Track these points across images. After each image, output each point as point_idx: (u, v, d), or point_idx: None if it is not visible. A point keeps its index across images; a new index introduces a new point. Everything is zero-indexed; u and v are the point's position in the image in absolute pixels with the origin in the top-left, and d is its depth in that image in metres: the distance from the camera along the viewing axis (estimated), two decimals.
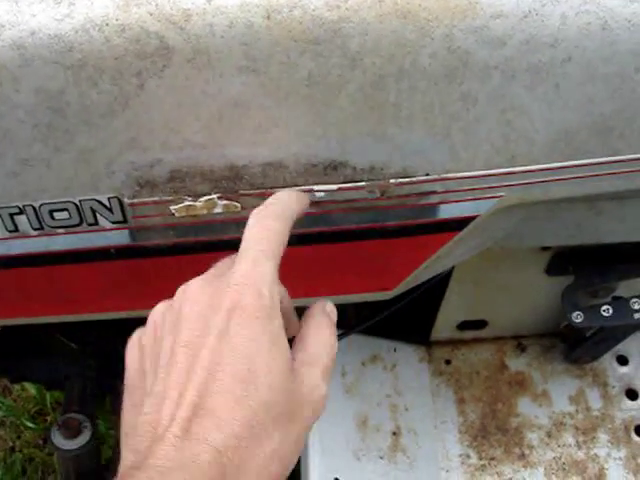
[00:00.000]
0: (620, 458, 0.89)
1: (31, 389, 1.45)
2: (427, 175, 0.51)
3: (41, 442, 1.41)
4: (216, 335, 0.35)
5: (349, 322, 0.91)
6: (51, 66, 0.43)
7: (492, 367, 0.96)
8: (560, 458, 0.89)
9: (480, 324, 0.94)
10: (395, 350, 0.95)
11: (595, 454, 0.90)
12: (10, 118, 0.45)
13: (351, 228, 0.53)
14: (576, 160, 0.52)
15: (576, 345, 0.93)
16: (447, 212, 0.53)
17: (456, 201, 0.53)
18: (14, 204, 0.50)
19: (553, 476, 0.88)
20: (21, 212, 0.50)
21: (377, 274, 0.58)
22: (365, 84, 0.46)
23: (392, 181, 0.51)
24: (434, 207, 0.53)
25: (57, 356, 0.97)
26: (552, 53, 0.47)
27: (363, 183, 0.51)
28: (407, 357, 0.96)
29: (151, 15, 0.43)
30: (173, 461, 0.31)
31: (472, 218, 0.54)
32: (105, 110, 0.45)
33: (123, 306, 0.57)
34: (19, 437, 1.43)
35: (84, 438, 0.94)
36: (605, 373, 0.96)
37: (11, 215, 0.51)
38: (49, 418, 1.45)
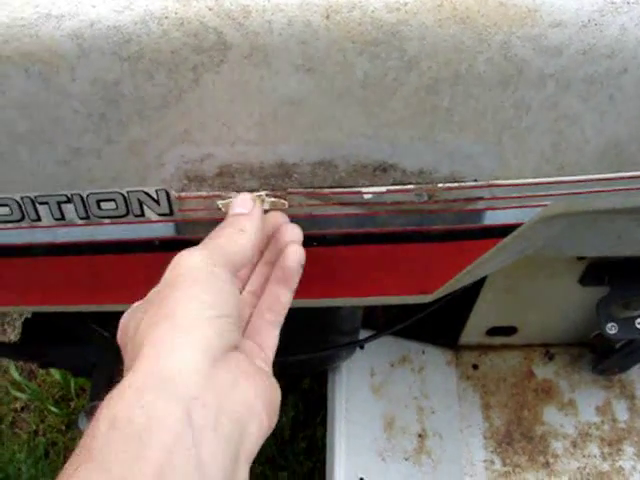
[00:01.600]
0: None
1: (56, 374, 1.47)
2: (475, 181, 0.51)
3: (64, 427, 1.42)
4: None
5: (379, 323, 0.91)
6: (108, 57, 0.44)
7: (519, 374, 0.96)
8: (584, 468, 0.89)
9: (510, 330, 0.94)
10: (424, 352, 0.95)
11: (620, 466, 0.89)
12: (64, 107, 0.46)
13: (396, 230, 0.53)
14: (624, 172, 0.52)
15: (605, 356, 0.92)
16: (492, 219, 0.53)
17: (502, 208, 0.53)
18: (62, 192, 0.50)
19: None
20: (69, 201, 0.51)
21: (418, 277, 0.58)
22: (420, 88, 0.46)
23: (440, 185, 0.51)
24: (480, 213, 0.53)
25: (86, 344, 0.97)
26: (609, 64, 0.46)
27: (411, 186, 0.50)
28: (435, 360, 0.95)
29: (210, 10, 0.43)
30: None
31: (516, 226, 0.54)
32: (159, 103, 0.46)
33: None
34: (43, 421, 1.45)
35: None
36: (633, 385, 0.95)
37: (59, 203, 0.51)
38: (73, 404, 1.46)
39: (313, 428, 1.39)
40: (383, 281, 0.58)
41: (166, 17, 0.43)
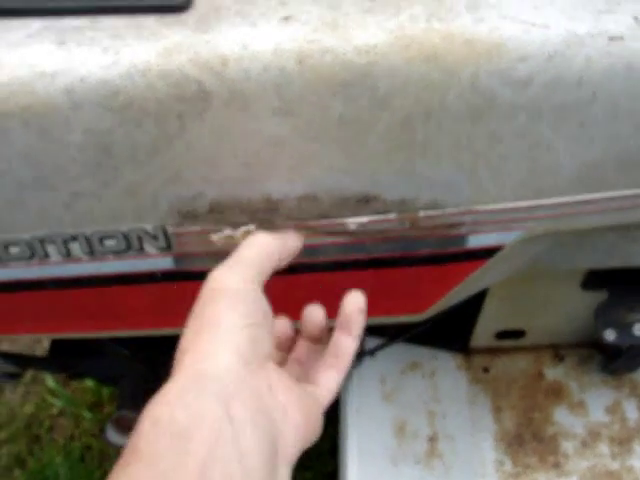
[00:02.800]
0: None
1: (89, 382, 1.52)
2: (455, 207, 0.53)
3: (98, 431, 1.48)
4: None
5: (389, 331, 0.93)
6: (99, 109, 0.47)
7: (529, 376, 0.97)
8: (595, 468, 0.90)
9: (518, 334, 0.95)
10: (434, 358, 0.97)
11: (630, 465, 0.90)
12: (63, 155, 0.49)
13: (383, 256, 0.56)
14: (602, 193, 0.53)
15: (614, 357, 0.93)
16: (475, 242, 0.55)
17: (484, 232, 0.55)
18: (67, 232, 0.54)
19: None
20: (74, 239, 0.54)
21: (408, 298, 0.60)
22: (393, 124, 0.48)
23: (422, 213, 0.53)
24: (462, 237, 0.55)
25: (111, 357, 1.02)
26: (577, 93, 0.48)
27: (393, 215, 0.53)
28: (446, 365, 0.97)
29: (190, 61, 0.46)
30: None
31: (499, 248, 0.56)
32: (149, 148, 0.49)
33: (166, 324, 0.61)
34: (78, 426, 1.51)
35: None
36: None
37: (64, 241, 0.55)
38: (105, 409, 1.52)
39: (336, 428, 1.42)
40: (374, 303, 0.60)
41: (149, 70, 0.46)
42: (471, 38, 0.46)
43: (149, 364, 0.93)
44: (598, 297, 0.84)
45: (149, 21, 0.47)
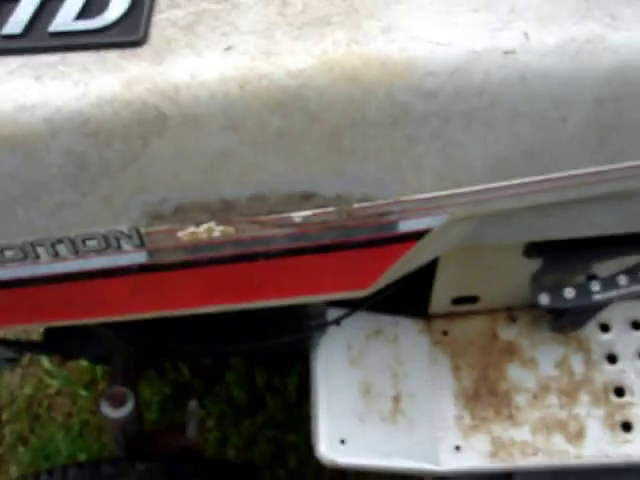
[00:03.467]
0: (599, 417, 1.00)
1: (83, 362, 1.62)
2: (384, 199, 0.62)
3: (95, 408, 1.58)
4: None
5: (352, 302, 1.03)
6: (74, 134, 0.55)
7: (485, 336, 1.07)
8: (545, 418, 1.00)
9: (472, 299, 1.05)
10: (397, 324, 1.07)
11: (577, 413, 1.00)
12: (46, 173, 0.58)
13: (326, 243, 0.65)
14: (511, 180, 0.62)
15: (560, 315, 1.03)
16: (405, 227, 0.64)
17: (412, 218, 0.64)
18: (54, 236, 0.63)
19: (538, 433, 0.99)
20: (60, 242, 0.63)
21: (352, 277, 0.69)
22: (324, 134, 0.57)
23: (356, 205, 0.62)
24: (393, 223, 0.64)
25: (100, 338, 1.11)
26: (479, 101, 0.57)
27: (332, 209, 0.62)
28: (407, 330, 1.07)
29: (148, 90, 0.54)
30: None
31: (428, 230, 0.65)
32: (119, 164, 0.57)
33: (144, 309, 0.70)
34: (75, 404, 1.61)
35: (128, 408, 1.09)
36: (588, 340, 1.05)
37: (52, 244, 0.63)
38: (100, 386, 1.62)
39: None
40: (324, 282, 0.69)
41: (115, 99, 0.54)
42: (385, 59, 0.55)
43: (134, 343, 1.03)
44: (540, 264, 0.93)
45: (111, 55, 0.56)
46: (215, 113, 0.55)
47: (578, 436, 0.99)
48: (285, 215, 0.62)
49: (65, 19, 0.57)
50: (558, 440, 0.99)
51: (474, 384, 1.04)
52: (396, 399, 1.01)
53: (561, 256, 0.87)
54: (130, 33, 0.56)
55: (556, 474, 0.99)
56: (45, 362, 1.63)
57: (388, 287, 0.93)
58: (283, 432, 1.46)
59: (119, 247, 0.64)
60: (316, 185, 0.60)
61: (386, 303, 1.04)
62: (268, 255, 0.66)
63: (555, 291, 0.86)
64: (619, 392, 1.02)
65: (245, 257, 0.65)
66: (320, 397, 0.97)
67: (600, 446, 0.98)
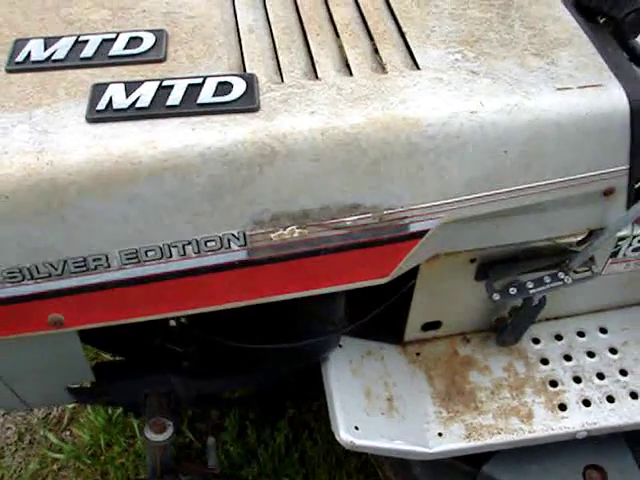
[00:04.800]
0: (541, 402, 1.33)
1: (85, 435, 1.80)
2: (401, 208, 0.97)
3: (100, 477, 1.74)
4: None
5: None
6: (216, 163, 0.88)
7: (448, 354, 1.40)
8: (502, 407, 1.32)
9: (437, 325, 1.39)
10: (381, 348, 1.38)
11: (525, 401, 1.33)
12: (192, 190, 0.89)
13: (363, 240, 0.98)
14: (478, 194, 0.99)
15: (503, 332, 1.38)
16: (414, 228, 0.99)
17: (418, 221, 0.99)
18: (184, 239, 0.93)
19: (499, 418, 1.31)
20: (189, 243, 0.93)
21: (377, 268, 1.02)
22: (369, 164, 0.92)
23: (384, 212, 0.96)
24: (407, 225, 0.99)
25: (140, 378, 1.35)
26: (457, 141, 0.94)
27: (369, 215, 0.96)
28: (390, 352, 1.39)
29: (266, 136, 0.88)
30: None
31: (428, 230, 1.00)
32: (241, 184, 0.90)
33: (242, 298, 1.00)
34: (79, 476, 1.77)
35: (168, 433, 1.32)
36: (525, 350, 1.40)
37: (183, 245, 0.94)
38: (103, 458, 1.79)
39: (302, 444, 1.78)
40: (359, 272, 1.02)
41: (245, 141, 0.88)
42: (404, 117, 0.92)
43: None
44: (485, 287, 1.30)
45: (239, 116, 0.90)
46: (306, 150, 0.89)
47: (528, 417, 1.31)
48: (341, 220, 0.96)
49: (207, 95, 0.91)
50: (514, 421, 1.31)
51: (445, 388, 1.35)
52: (390, 400, 1.31)
53: (501, 270, 1.24)
54: (249, 104, 0.91)
55: None
56: (50, 436, 1.79)
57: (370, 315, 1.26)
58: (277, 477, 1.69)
59: (229, 247, 0.95)
60: (361, 198, 0.95)
61: (372, 333, 1.37)
62: (327, 251, 0.98)
63: (502, 291, 1.22)
64: (553, 384, 1.36)
65: (312, 253, 0.97)
66: (334, 397, 1.25)
67: (545, 423, 1.31)
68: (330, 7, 1.09)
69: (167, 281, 0.96)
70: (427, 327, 1.40)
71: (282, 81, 0.96)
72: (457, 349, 1.42)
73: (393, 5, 1.09)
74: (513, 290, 1.22)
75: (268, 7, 1.09)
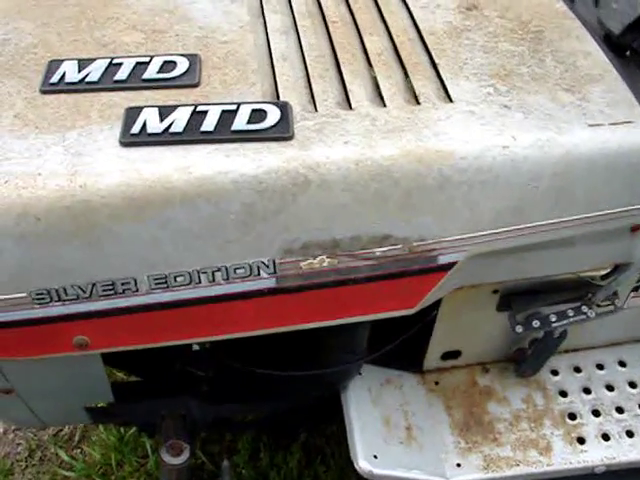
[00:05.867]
0: (560, 435, 1.32)
1: (96, 454, 1.79)
2: (432, 239, 0.97)
3: None
4: None
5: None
6: (250, 190, 0.88)
7: (467, 384, 1.39)
8: (520, 439, 1.31)
9: (457, 354, 1.38)
10: (401, 376, 1.38)
11: (543, 434, 1.32)
12: (224, 218, 0.89)
13: (393, 271, 0.98)
14: (507, 227, 0.99)
15: (521, 364, 1.37)
16: (443, 260, 0.99)
17: (447, 253, 0.99)
18: (215, 265, 0.93)
19: (517, 450, 1.30)
20: (219, 270, 0.93)
21: (405, 299, 1.02)
22: (401, 195, 0.92)
23: (414, 244, 0.96)
24: (436, 257, 0.98)
25: (157, 399, 1.35)
26: (489, 175, 0.94)
27: (399, 246, 0.96)
28: (409, 380, 1.38)
29: (300, 165, 0.88)
30: None
31: (456, 262, 1.00)
32: (274, 212, 0.90)
33: (269, 326, 1.00)
34: None
35: (185, 456, 1.31)
36: (544, 382, 1.40)
37: (213, 272, 0.93)
38: (113, 477, 1.78)
39: (315, 469, 1.76)
40: (385, 303, 1.02)
41: (279, 169, 0.88)
42: (437, 149, 0.92)
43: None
44: (507, 319, 1.29)
45: (273, 144, 0.90)
46: (339, 180, 0.89)
47: (547, 450, 1.30)
48: (371, 250, 0.95)
49: (241, 122, 0.91)
50: (533, 454, 1.30)
51: (464, 418, 1.34)
52: (408, 429, 1.30)
53: (524, 302, 1.23)
54: (283, 132, 0.91)
55: None
56: (61, 453, 1.78)
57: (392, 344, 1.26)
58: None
59: (258, 274, 0.95)
60: (393, 229, 0.95)
61: (391, 361, 1.37)
62: (355, 281, 0.98)
63: (525, 323, 1.22)
64: (572, 417, 1.35)
65: (340, 282, 0.97)
66: (354, 425, 1.24)
67: (564, 456, 1.30)
68: (363, 36, 1.10)
69: (195, 307, 0.96)
70: (447, 356, 1.39)
71: (316, 110, 0.96)
72: (476, 379, 1.41)
73: (425, 37, 1.09)
74: (536, 323, 1.22)
75: (301, 34, 1.10)
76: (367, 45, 1.08)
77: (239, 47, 1.07)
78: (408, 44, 1.09)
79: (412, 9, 1.16)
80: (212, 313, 0.98)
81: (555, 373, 1.42)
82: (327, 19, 1.14)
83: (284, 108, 0.94)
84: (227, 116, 0.93)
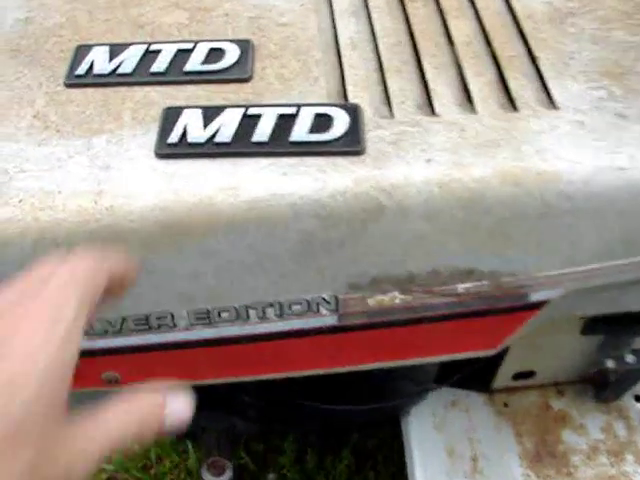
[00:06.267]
0: None
1: (135, 448, 1.70)
2: (522, 274, 0.81)
3: None
4: None
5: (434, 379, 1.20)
6: (310, 217, 0.73)
7: (540, 407, 1.25)
8: (599, 475, 1.17)
9: (530, 374, 1.23)
10: (467, 396, 1.23)
11: (625, 470, 1.17)
12: (279, 247, 0.74)
13: (476, 309, 0.83)
14: (613, 261, 0.82)
15: (602, 388, 1.22)
16: (534, 297, 0.83)
17: (539, 290, 0.83)
18: (267, 300, 0.79)
19: None
20: (271, 305, 0.79)
21: (487, 339, 0.87)
22: (492, 224, 0.76)
23: (503, 279, 0.81)
24: (527, 294, 0.83)
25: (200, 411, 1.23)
26: (598, 202, 0.77)
27: (485, 282, 0.80)
28: (476, 402, 1.24)
29: (372, 187, 0.73)
30: None
31: (547, 301, 0.84)
32: (339, 242, 0.75)
33: (327, 365, 0.86)
34: None
35: (227, 476, 1.20)
36: (627, 409, 1.24)
37: (263, 308, 0.79)
38: (153, 470, 1.70)
39: (365, 475, 1.65)
40: (464, 342, 0.87)
41: (346, 192, 0.73)
42: (539, 171, 0.75)
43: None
44: (592, 340, 1.13)
45: (340, 160, 0.74)
46: (419, 206, 0.74)
47: None
48: (452, 286, 0.80)
49: (301, 132, 0.75)
50: None
51: (535, 447, 1.20)
52: (474, 460, 1.16)
53: (617, 330, 1.07)
54: (353, 145, 0.75)
55: None
56: None
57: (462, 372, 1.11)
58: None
59: (318, 311, 0.80)
60: (479, 263, 0.79)
61: (458, 380, 1.22)
62: (430, 319, 0.83)
63: (618, 357, 1.06)
64: None
65: (413, 321, 0.82)
66: (415, 456, 1.11)
67: None
68: (447, 20, 0.91)
69: (241, 345, 0.83)
70: (519, 376, 1.24)
71: (392, 116, 0.80)
72: (549, 402, 1.26)
73: (521, 21, 0.91)
74: (630, 358, 1.06)
75: (373, 16, 0.92)
76: (452, 31, 0.90)
77: (299, 31, 0.90)
78: (501, 30, 0.90)
79: None
80: (261, 351, 0.84)
81: (639, 399, 1.26)
82: None
83: (354, 113, 0.78)
84: (284, 122, 0.77)
